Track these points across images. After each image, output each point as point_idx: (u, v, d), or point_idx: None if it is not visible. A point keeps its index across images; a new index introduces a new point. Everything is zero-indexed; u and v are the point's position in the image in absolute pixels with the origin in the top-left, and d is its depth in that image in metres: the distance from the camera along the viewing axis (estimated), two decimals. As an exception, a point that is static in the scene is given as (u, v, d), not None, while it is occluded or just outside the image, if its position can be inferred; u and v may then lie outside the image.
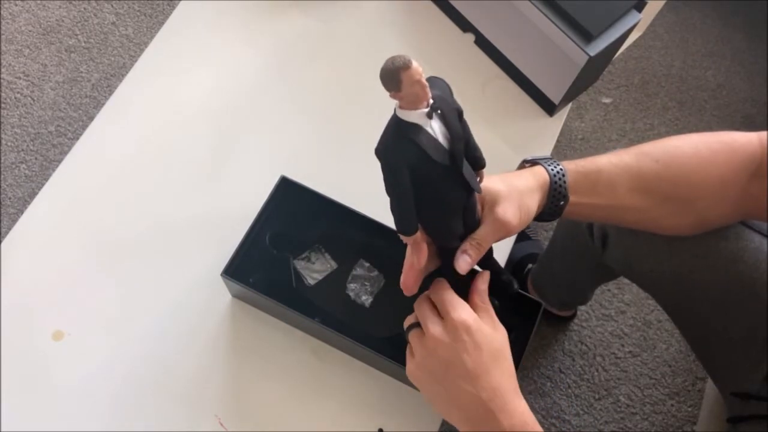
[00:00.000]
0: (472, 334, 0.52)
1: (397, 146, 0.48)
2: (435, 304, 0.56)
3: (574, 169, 0.60)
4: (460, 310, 0.53)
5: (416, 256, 0.55)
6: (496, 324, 0.56)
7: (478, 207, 0.57)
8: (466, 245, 0.54)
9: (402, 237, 0.54)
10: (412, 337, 0.56)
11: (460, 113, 0.52)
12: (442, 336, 0.53)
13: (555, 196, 0.59)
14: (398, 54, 0.45)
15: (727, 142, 0.62)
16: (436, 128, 0.49)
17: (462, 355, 0.51)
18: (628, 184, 0.60)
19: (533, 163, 0.61)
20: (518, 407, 0.52)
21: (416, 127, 0.47)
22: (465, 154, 0.53)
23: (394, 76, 0.44)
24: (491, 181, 0.57)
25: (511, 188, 0.56)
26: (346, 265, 0.79)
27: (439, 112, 0.48)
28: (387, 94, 0.46)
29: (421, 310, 0.56)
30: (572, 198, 0.59)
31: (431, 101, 0.47)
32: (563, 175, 0.59)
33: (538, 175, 0.59)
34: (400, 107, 0.47)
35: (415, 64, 0.44)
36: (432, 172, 0.50)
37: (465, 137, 0.52)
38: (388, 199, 0.53)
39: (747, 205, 0.62)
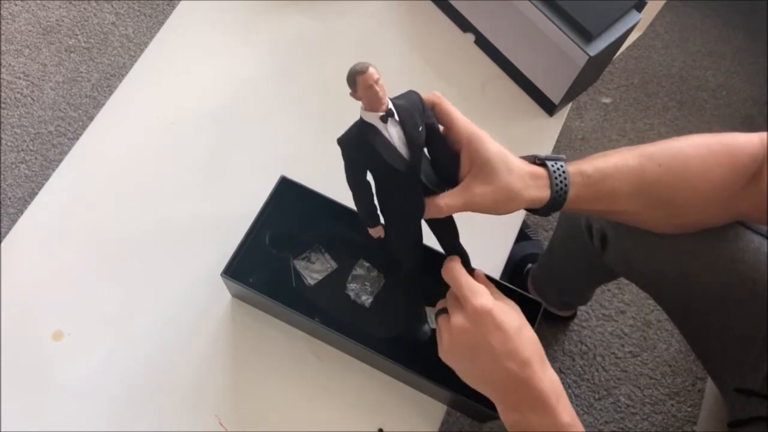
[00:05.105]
0: (493, 317, 0.54)
1: (355, 143, 0.53)
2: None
3: (580, 182, 0.59)
4: (479, 295, 0.55)
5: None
6: (507, 299, 0.59)
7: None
8: (443, 198, 0.56)
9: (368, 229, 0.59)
10: (441, 321, 0.59)
11: (432, 127, 0.55)
12: (465, 324, 0.55)
13: (548, 208, 0.59)
14: (365, 61, 0.50)
15: (729, 143, 0.61)
16: (393, 133, 0.52)
17: (487, 339, 0.54)
18: (628, 190, 0.60)
19: (542, 164, 0.59)
20: (546, 372, 0.56)
21: (373, 129, 0.51)
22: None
23: (352, 78, 0.50)
24: (498, 154, 0.56)
25: (506, 187, 0.56)
26: (346, 265, 0.79)
27: (396, 118, 0.52)
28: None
29: (448, 299, 0.59)
30: (569, 206, 0.59)
31: (390, 108, 0.51)
32: (565, 193, 0.58)
33: (541, 190, 0.58)
34: (363, 108, 0.52)
35: (371, 70, 0.49)
36: (389, 176, 0.54)
37: (427, 147, 0.55)
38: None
39: (742, 206, 0.62)
